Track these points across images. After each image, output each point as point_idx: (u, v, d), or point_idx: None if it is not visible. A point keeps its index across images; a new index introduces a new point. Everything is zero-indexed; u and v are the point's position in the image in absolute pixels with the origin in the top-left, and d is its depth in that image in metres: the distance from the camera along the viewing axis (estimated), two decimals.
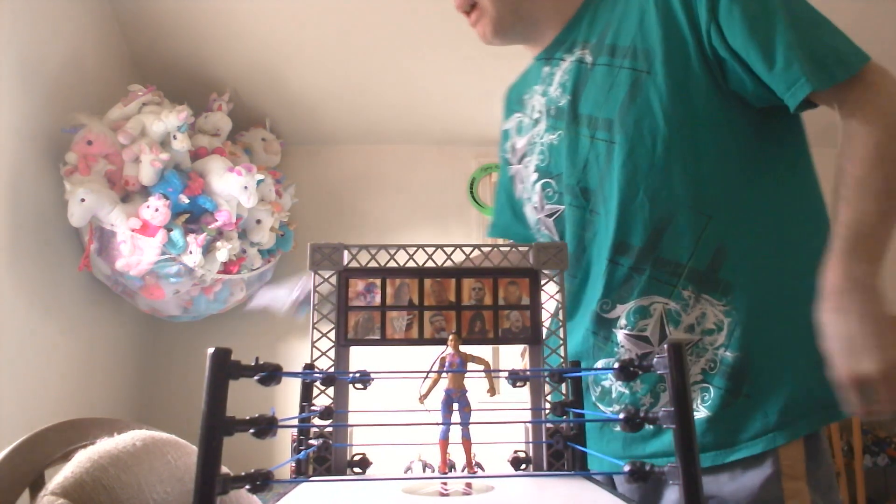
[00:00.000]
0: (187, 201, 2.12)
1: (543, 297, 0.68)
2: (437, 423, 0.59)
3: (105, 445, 0.73)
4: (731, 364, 0.78)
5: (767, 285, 0.79)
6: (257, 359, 0.46)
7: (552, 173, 0.91)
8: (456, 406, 0.60)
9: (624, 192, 0.81)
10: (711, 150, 0.81)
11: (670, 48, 0.81)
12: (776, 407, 0.76)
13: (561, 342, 0.65)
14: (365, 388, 0.70)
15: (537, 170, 0.93)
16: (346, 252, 0.67)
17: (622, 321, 0.82)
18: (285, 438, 2.55)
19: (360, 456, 0.63)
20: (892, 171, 0.73)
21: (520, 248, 0.67)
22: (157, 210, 2.04)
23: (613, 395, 0.84)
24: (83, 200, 1.95)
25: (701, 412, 0.78)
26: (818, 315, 0.71)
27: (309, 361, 0.63)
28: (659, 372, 0.41)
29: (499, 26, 0.95)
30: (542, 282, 0.66)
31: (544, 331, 0.65)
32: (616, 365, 0.47)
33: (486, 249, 0.71)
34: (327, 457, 0.60)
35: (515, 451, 0.64)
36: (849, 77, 0.75)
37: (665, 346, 0.40)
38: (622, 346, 0.82)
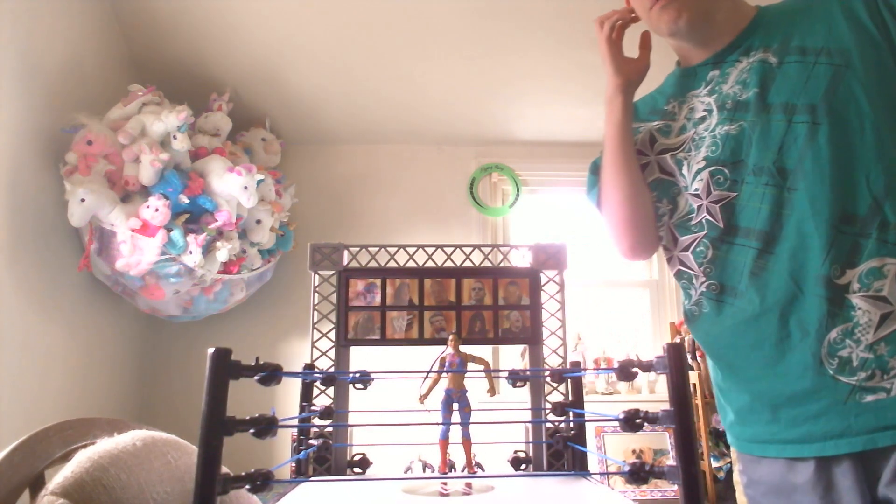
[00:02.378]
0: (187, 201, 2.12)
1: (543, 297, 0.68)
2: (437, 423, 0.59)
3: (105, 445, 0.73)
4: None
5: None
6: (257, 359, 0.46)
7: (727, 161, 0.98)
8: (456, 406, 0.60)
9: (837, 167, 0.88)
10: None
11: (864, 49, 0.90)
12: None
13: (561, 342, 0.65)
14: (365, 388, 0.70)
15: (706, 159, 1.00)
16: (346, 252, 0.67)
17: (855, 285, 0.86)
18: (285, 438, 2.55)
19: (360, 456, 0.63)
20: None
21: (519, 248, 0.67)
22: (157, 210, 2.04)
23: (855, 364, 0.85)
24: (83, 200, 1.95)
25: None
26: None
27: (309, 361, 0.63)
28: (658, 373, 0.41)
29: (695, 19, 1.00)
30: (543, 282, 0.66)
31: (544, 331, 0.65)
32: (617, 364, 0.47)
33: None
34: (327, 457, 0.60)
35: (515, 451, 0.64)
36: None
37: (664, 345, 0.40)
38: (859, 308, 0.85)
